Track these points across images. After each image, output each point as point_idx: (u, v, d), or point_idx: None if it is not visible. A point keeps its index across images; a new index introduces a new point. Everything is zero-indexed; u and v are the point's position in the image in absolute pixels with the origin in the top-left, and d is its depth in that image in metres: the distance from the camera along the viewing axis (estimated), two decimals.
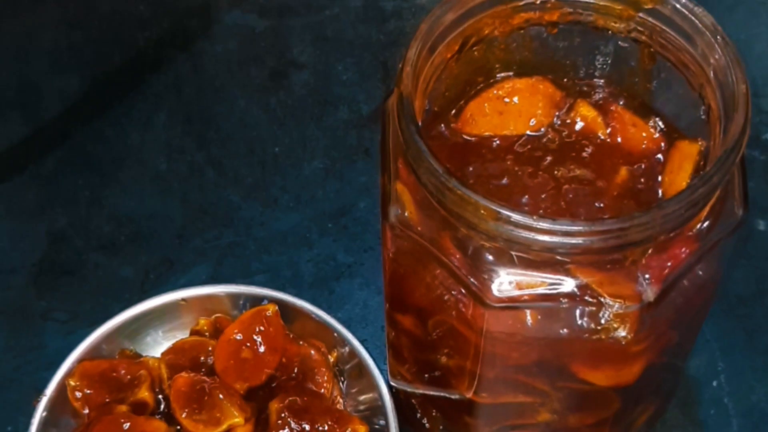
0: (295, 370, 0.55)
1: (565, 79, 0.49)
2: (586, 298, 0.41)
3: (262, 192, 0.67)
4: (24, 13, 0.75)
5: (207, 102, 0.71)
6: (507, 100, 0.48)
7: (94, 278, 0.64)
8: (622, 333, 0.42)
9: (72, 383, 0.55)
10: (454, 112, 0.49)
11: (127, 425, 0.52)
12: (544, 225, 0.38)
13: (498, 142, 0.48)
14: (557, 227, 0.38)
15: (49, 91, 0.72)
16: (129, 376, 0.55)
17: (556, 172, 0.46)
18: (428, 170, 0.40)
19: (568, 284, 0.40)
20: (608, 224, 0.39)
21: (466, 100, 0.49)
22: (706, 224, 0.42)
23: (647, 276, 0.41)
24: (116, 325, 0.57)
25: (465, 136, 0.48)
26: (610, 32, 0.47)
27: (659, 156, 0.47)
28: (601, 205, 0.45)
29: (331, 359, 0.57)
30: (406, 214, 0.43)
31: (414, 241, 0.43)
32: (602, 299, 0.41)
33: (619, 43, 0.47)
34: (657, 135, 0.47)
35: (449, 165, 0.40)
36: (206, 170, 0.68)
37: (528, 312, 0.43)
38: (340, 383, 0.57)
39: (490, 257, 0.41)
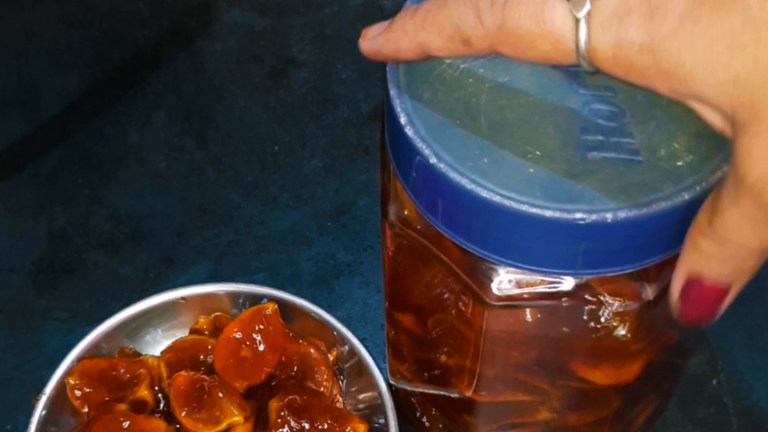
0: (295, 369, 0.55)
1: None
2: (586, 296, 0.41)
3: (261, 191, 0.67)
4: (23, 12, 0.75)
5: (206, 100, 0.71)
6: None
7: (94, 277, 0.64)
8: (621, 331, 0.42)
9: (71, 382, 0.55)
10: None
11: (126, 424, 0.52)
12: None
13: None
14: None
15: (48, 90, 0.72)
16: (128, 375, 0.55)
17: None
18: None
19: (568, 283, 0.40)
20: None
21: None
22: None
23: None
24: (116, 324, 0.57)
25: None
26: None
27: None
28: None
29: (331, 358, 0.57)
30: (405, 212, 0.43)
31: (413, 240, 0.43)
32: (602, 298, 0.41)
33: None
34: None
35: None
36: (206, 169, 0.68)
37: (528, 310, 0.43)
38: (340, 382, 0.57)
39: None
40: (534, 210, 0.36)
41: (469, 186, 0.37)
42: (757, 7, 0.29)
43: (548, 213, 0.36)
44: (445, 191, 0.38)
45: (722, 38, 0.30)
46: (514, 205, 0.36)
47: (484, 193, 0.37)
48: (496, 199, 0.37)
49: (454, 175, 0.37)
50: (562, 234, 0.37)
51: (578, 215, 0.36)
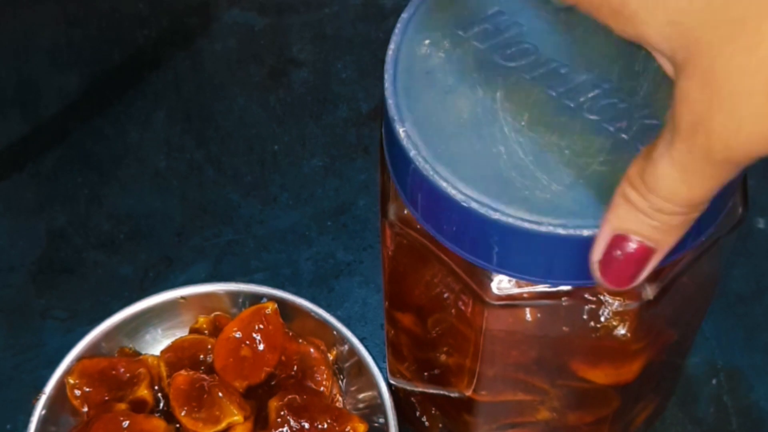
0: (295, 368, 0.55)
1: None
2: (586, 296, 0.41)
3: (261, 190, 0.67)
4: (23, 11, 0.75)
5: (206, 100, 0.71)
6: None
7: (94, 276, 0.64)
8: (621, 331, 0.42)
9: (71, 381, 0.55)
10: None
11: (126, 423, 0.52)
12: None
13: None
14: None
15: (48, 89, 0.72)
16: (128, 374, 0.55)
17: None
18: None
19: None
20: None
21: None
22: None
23: None
24: (115, 323, 0.57)
25: None
26: None
27: None
28: None
29: (331, 357, 0.57)
30: (405, 212, 0.43)
31: (413, 239, 0.43)
32: (602, 297, 0.41)
33: None
34: None
35: None
36: (205, 168, 0.68)
37: (527, 310, 0.43)
38: (340, 381, 0.57)
39: None
40: (532, 225, 0.36)
41: (462, 199, 0.37)
42: None
43: (543, 228, 0.36)
44: (441, 202, 0.38)
45: None
46: (510, 220, 0.36)
47: (478, 207, 0.37)
48: (492, 214, 0.36)
49: (447, 188, 0.37)
50: (561, 248, 0.37)
51: (578, 231, 0.36)
